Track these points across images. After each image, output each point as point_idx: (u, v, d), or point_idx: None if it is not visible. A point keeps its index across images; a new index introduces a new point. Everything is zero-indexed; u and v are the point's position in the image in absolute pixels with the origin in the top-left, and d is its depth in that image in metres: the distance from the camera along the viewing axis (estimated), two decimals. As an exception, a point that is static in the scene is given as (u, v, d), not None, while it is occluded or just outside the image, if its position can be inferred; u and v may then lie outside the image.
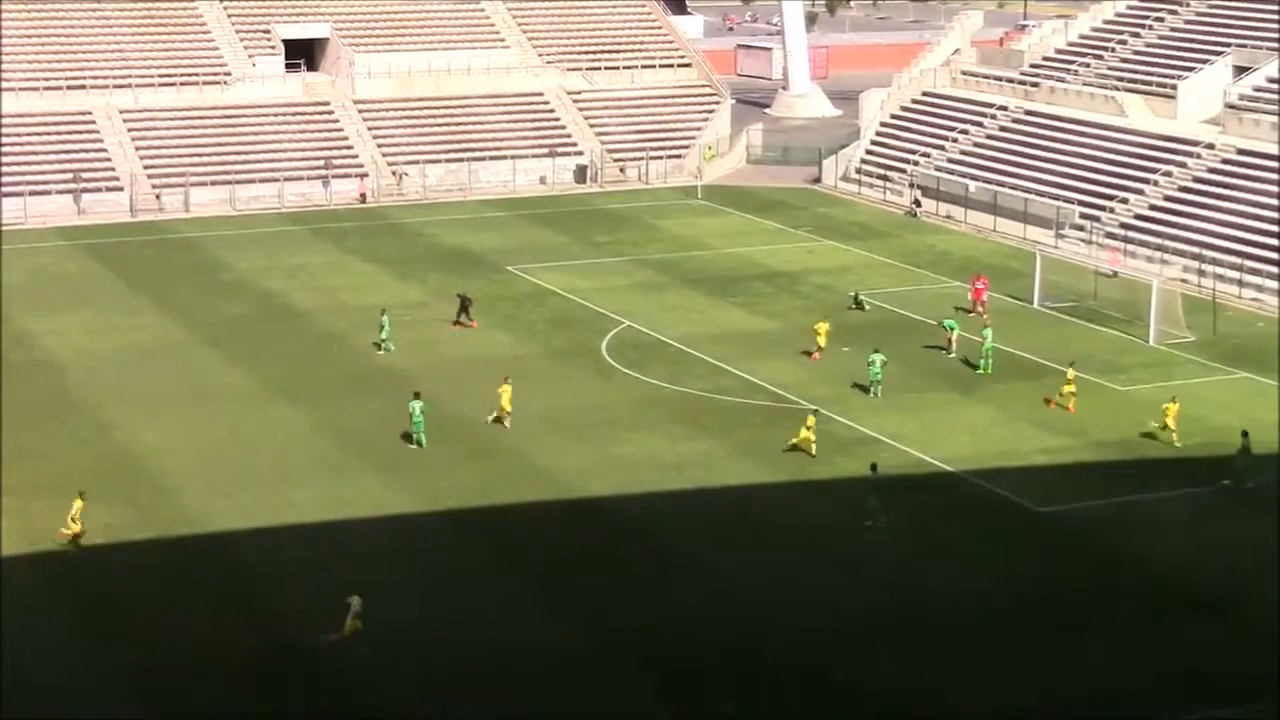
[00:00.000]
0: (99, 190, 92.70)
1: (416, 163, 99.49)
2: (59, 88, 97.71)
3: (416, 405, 53.79)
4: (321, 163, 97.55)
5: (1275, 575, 43.89)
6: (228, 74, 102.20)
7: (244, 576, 44.13)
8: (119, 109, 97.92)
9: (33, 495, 48.65)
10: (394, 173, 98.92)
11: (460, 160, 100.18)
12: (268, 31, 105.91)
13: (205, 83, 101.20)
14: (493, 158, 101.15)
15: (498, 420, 54.99)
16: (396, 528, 47.46)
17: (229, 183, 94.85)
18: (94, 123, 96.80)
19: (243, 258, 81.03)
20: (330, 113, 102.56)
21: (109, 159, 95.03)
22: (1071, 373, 58.33)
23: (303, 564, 44.82)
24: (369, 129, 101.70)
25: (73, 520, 44.50)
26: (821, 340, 63.22)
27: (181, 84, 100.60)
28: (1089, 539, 47.06)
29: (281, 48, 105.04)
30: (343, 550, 45.74)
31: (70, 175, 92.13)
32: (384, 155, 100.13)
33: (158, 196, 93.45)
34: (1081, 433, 55.61)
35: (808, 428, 53.03)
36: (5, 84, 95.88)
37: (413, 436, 53.69)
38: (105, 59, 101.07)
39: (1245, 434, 51.66)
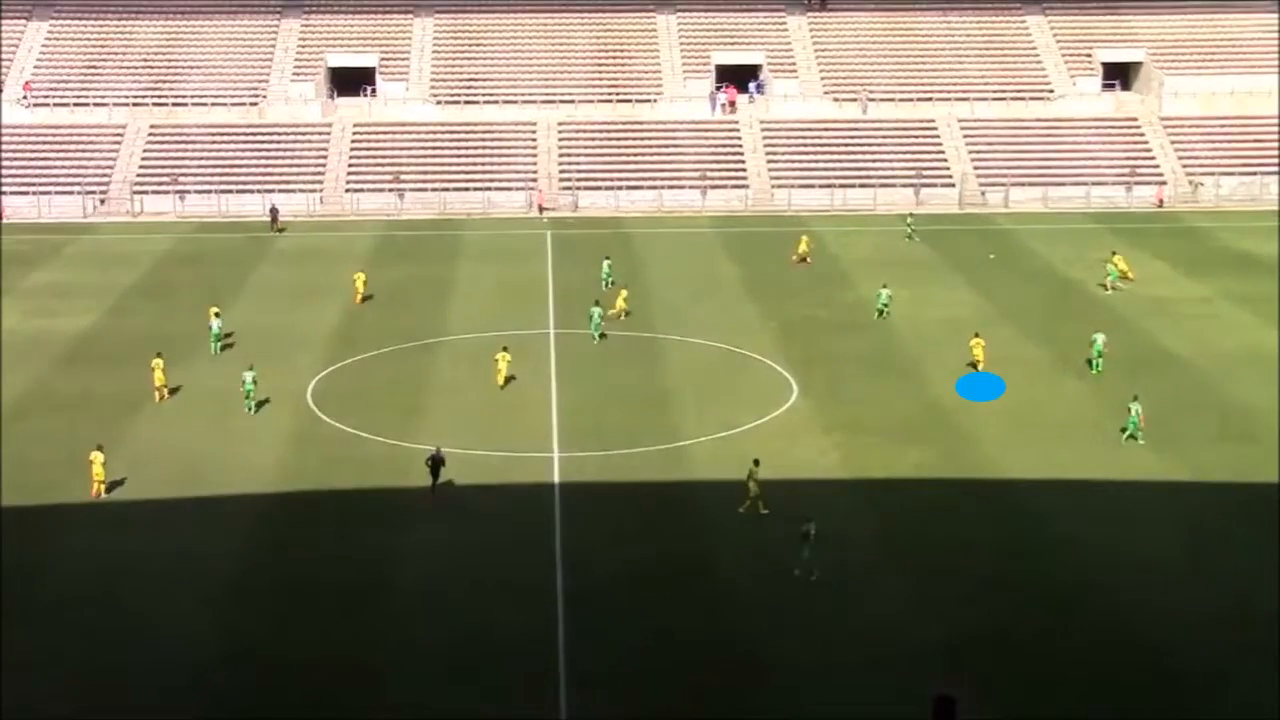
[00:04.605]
0: (934, 185, 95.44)
1: (1212, 174, 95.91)
2: (910, 99, 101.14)
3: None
4: (1127, 170, 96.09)
5: None
6: (1050, 91, 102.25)
7: (1020, 520, 44.34)
8: (958, 118, 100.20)
9: (862, 433, 51.38)
10: (1191, 182, 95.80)
11: (1253, 174, 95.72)
12: (1089, 55, 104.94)
13: (1030, 98, 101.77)
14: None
15: None
16: (1142, 493, 46.52)
17: (1044, 184, 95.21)
18: (936, 129, 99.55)
19: (1049, 249, 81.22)
20: (1137, 128, 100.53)
21: (945, 159, 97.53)
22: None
23: (1072, 514, 44.63)
24: (1171, 143, 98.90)
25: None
26: None
27: (1010, 99, 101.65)
28: None
29: (1100, 69, 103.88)
30: (1109, 508, 45.35)
31: (914, 172, 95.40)
32: (1183, 166, 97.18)
33: (982, 193, 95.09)
34: None
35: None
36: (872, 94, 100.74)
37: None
38: (948, 75, 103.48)
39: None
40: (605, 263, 73.09)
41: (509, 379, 56.31)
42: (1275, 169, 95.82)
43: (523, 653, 36.27)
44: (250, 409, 53.30)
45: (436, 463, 45.72)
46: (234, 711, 33.89)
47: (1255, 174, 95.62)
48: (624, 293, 67.25)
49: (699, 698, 34.48)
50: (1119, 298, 69.84)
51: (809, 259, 77.32)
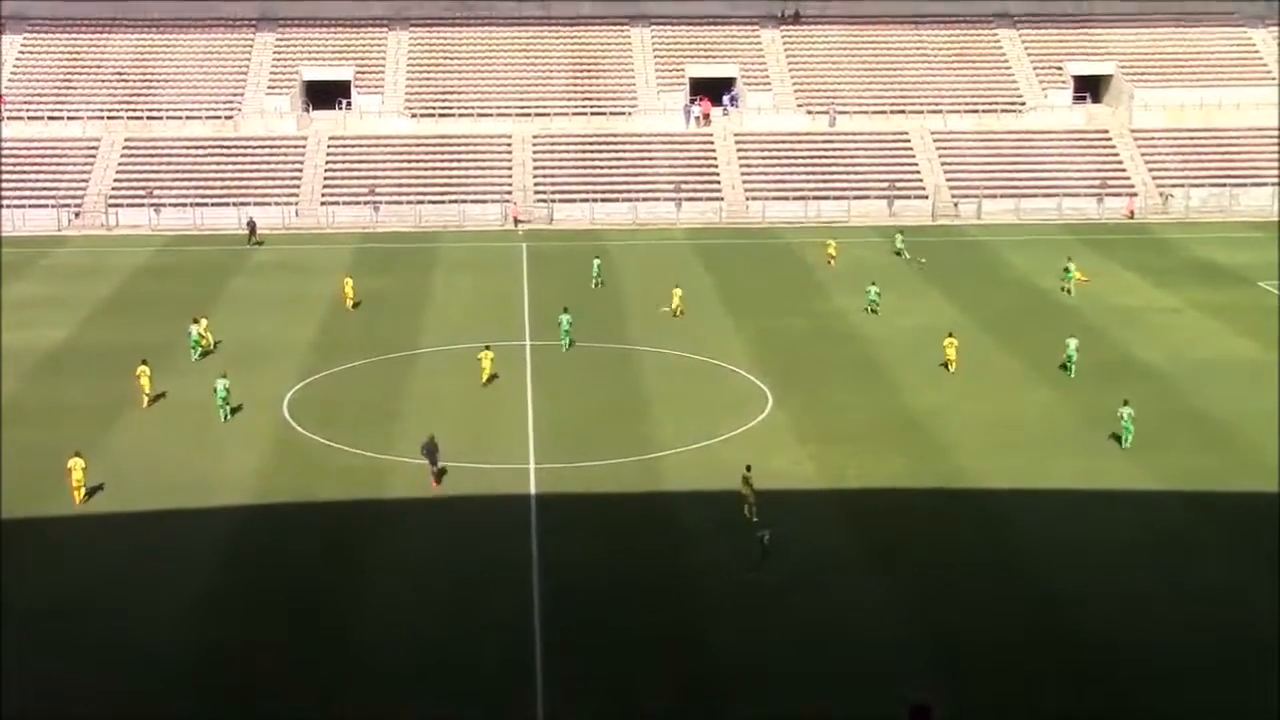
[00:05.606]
0: (908, 197, 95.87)
1: (1182, 186, 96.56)
2: (884, 112, 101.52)
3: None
4: (1098, 182, 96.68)
5: None
6: (1022, 103, 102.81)
7: (996, 527, 44.58)
8: (930, 131, 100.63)
9: (837, 443, 51.50)
10: (1161, 194, 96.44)
11: (1222, 185, 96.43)
12: (1059, 68, 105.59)
13: (1002, 110, 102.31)
14: (1255, 184, 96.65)
15: None
16: (1118, 499, 46.77)
17: (1016, 196, 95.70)
18: (909, 141, 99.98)
19: (1023, 259, 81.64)
20: (1108, 140, 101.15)
21: (918, 171, 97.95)
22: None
23: (1047, 520, 44.91)
24: (1141, 155, 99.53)
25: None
26: None
27: (982, 111, 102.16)
28: None
29: (1071, 82, 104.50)
30: (1082, 514, 45.61)
31: (887, 184, 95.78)
32: (1153, 178, 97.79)
33: (955, 205, 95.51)
34: None
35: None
36: (840, 107, 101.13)
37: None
38: (921, 88, 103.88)
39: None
40: (595, 262, 75.47)
41: (492, 376, 56.89)
42: (1244, 181, 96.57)
43: (501, 661, 36.21)
44: (224, 417, 53.43)
45: (431, 450, 46.85)
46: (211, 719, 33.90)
47: (1224, 185, 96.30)
48: (678, 291, 68.92)
49: (678, 706, 34.51)
50: (1093, 309, 70.13)
51: (834, 260, 79.43)
